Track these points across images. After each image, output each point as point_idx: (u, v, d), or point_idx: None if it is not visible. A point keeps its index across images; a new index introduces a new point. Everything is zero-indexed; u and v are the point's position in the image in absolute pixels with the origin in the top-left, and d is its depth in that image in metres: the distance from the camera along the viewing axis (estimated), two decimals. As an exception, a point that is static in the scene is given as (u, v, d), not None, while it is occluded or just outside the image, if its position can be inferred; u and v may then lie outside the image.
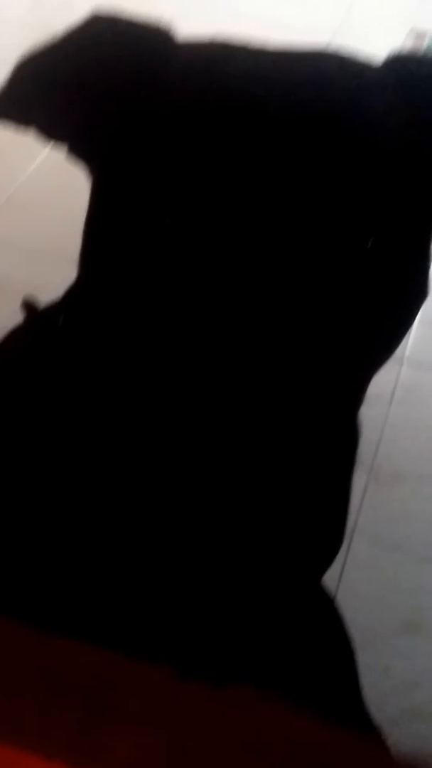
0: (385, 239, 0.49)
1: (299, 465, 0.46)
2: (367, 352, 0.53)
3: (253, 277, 0.46)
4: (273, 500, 0.47)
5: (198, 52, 0.53)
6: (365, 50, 1.67)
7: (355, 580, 1.00)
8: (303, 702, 0.82)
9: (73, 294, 0.64)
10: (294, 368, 0.46)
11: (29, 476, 0.63)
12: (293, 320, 0.46)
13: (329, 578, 0.93)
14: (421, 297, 0.56)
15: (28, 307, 0.67)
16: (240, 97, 0.49)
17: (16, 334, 0.70)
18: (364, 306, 0.50)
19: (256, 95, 0.49)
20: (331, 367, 0.48)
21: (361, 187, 0.48)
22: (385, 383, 1.22)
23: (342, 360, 0.50)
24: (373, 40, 1.92)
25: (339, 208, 0.47)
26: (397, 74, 0.54)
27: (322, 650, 0.85)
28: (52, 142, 0.57)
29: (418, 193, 0.52)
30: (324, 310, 0.48)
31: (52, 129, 0.56)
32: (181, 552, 0.59)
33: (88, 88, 0.53)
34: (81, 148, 0.57)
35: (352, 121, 0.49)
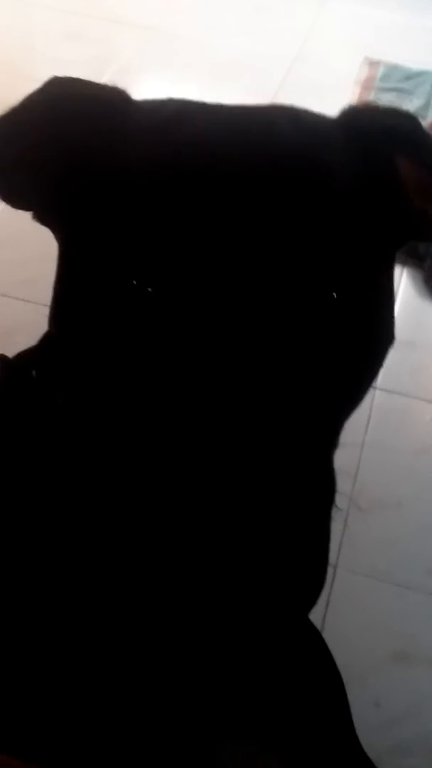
0: (349, 289, 0.50)
1: (276, 507, 0.46)
2: (340, 399, 0.53)
3: (224, 334, 0.46)
4: (252, 541, 0.46)
5: (155, 113, 0.53)
6: (322, 78, 1.70)
7: (341, 613, 1.00)
8: (297, 746, 0.81)
9: (45, 347, 0.64)
10: (270, 418, 0.46)
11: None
12: (267, 373, 0.46)
13: (315, 613, 0.93)
14: (387, 342, 0.57)
15: (1, 361, 0.66)
16: (199, 160, 0.48)
17: None
18: (335, 355, 0.50)
19: (216, 157, 0.48)
20: (305, 416, 0.48)
21: (323, 241, 0.48)
22: (360, 411, 1.23)
23: (316, 408, 0.49)
24: (330, 69, 1.96)
25: (303, 264, 0.48)
26: (349, 126, 0.54)
27: (313, 690, 0.84)
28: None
29: (376, 242, 0.53)
30: (296, 363, 0.48)
31: (13, 199, 0.56)
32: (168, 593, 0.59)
33: (47, 158, 0.53)
34: (44, 217, 0.57)
35: (311, 175, 0.49)
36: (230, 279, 0.46)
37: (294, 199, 0.48)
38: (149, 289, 0.48)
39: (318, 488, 0.49)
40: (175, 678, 0.65)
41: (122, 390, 0.50)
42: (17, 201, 0.57)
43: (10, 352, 0.70)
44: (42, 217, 0.57)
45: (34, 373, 0.63)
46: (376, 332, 0.54)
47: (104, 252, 0.50)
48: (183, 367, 0.46)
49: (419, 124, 0.57)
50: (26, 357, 0.67)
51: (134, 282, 0.48)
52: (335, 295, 0.49)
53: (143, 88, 1.96)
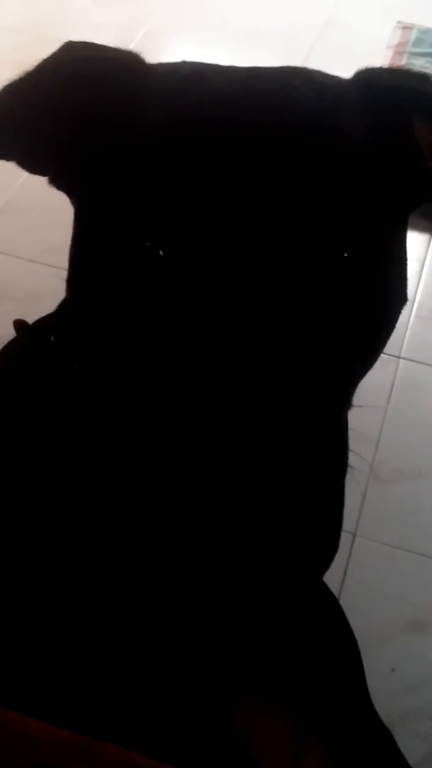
0: (361, 249, 0.50)
1: (289, 469, 0.46)
2: (353, 359, 0.53)
3: (236, 296, 0.46)
4: (265, 502, 0.47)
5: (169, 76, 0.53)
6: (353, 43, 1.67)
7: (359, 581, 1.01)
8: (307, 708, 0.83)
9: (63, 313, 0.64)
10: (283, 379, 0.46)
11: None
12: (280, 334, 0.47)
13: (333, 580, 0.94)
14: (400, 302, 0.57)
15: (20, 327, 0.67)
16: (214, 121, 0.48)
17: (8, 349, 0.70)
18: (347, 315, 0.50)
19: (230, 118, 0.48)
20: (318, 376, 0.49)
21: (337, 201, 0.48)
22: (382, 380, 1.22)
23: (329, 369, 0.50)
24: (361, 33, 1.93)
25: (316, 224, 0.48)
26: (364, 87, 0.54)
27: (328, 654, 0.85)
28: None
29: (389, 203, 0.53)
30: (308, 323, 0.48)
31: (29, 164, 0.56)
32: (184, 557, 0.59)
33: (64, 121, 0.53)
34: (59, 181, 0.57)
35: (325, 137, 0.49)
36: (243, 240, 0.47)
37: (309, 160, 0.48)
38: (161, 252, 0.48)
39: (330, 450, 0.50)
40: (194, 632, 0.66)
41: (135, 355, 0.50)
42: (33, 165, 0.57)
43: (36, 316, 0.71)
44: (58, 182, 0.57)
45: (52, 338, 0.64)
46: (388, 293, 0.54)
47: (118, 214, 0.50)
48: (195, 330, 0.47)
49: None
50: (46, 323, 0.68)
51: (147, 244, 0.48)
52: (346, 255, 0.49)
53: (172, 53, 1.94)
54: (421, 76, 0.56)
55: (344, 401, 0.55)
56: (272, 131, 0.48)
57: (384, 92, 0.54)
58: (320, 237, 0.48)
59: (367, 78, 0.55)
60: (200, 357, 0.46)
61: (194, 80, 0.52)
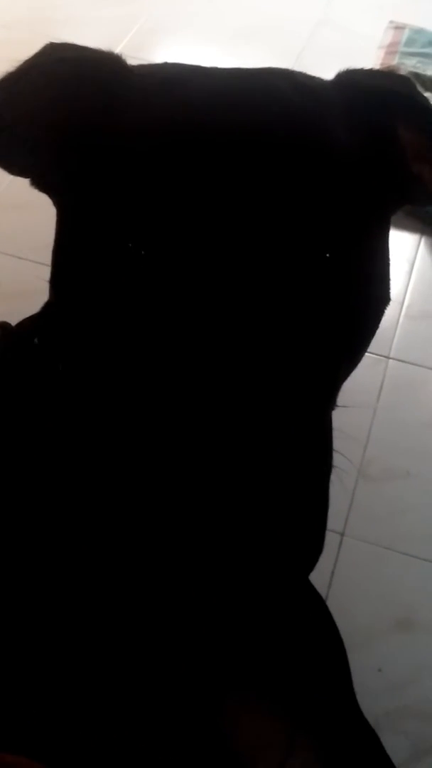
0: (343, 250, 0.50)
1: (273, 469, 0.46)
2: (337, 359, 0.53)
3: (218, 296, 0.46)
4: (249, 502, 0.47)
5: (150, 77, 0.53)
6: (346, 42, 1.67)
7: (347, 580, 1.01)
8: (295, 706, 0.83)
9: (47, 313, 0.64)
10: (266, 379, 0.46)
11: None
12: (263, 334, 0.47)
13: (321, 579, 0.94)
14: (383, 302, 0.57)
15: (1, 329, 0.67)
16: (196, 122, 0.48)
17: None
18: (330, 315, 0.51)
19: (212, 119, 0.48)
20: (302, 376, 0.49)
21: (319, 201, 0.48)
22: (372, 380, 1.23)
23: (313, 369, 0.50)
24: (353, 33, 1.93)
25: (298, 225, 0.48)
26: (346, 89, 0.54)
27: (314, 653, 0.86)
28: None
29: (372, 204, 0.53)
30: (291, 323, 0.48)
31: (10, 164, 0.56)
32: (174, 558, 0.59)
33: (45, 122, 0.53)
34: (42, 181, 0.57)
35: (306, 137, 0.49)
36: (224, 241, 0.47)
37: (291, 161, 0.48)
38: (142, 252, 0.48)
39: (315, 449, 0.50)
40: (182, 634, 0.66)
41: (118, 356, 0.50)
42: (13, 166, 0.56)
43: (26, 314, 0.70)
44: (40, 183, 0.57)
45: (36, 339, 0.63)
46: (370, 292, 0.55)
47: (100, 215, 0.50)
48: (178, 331, 0.47)
49: (414, 87, 0.57)
50: (29, 323, 0.68)
51: (130, 245, 0.48)
52: (328, 255, 0.49)
53: (165, 50, 1.94)
54: (402, 79, 0.57)
55: (328, 401, 0.55)
56: (253, 132, 0.48)
57: (366, 95, 0.54)
58: (302, 237, 0.48)
59: (349, 80, 0.56)
60: (183, 357, 0.46)
61: (175, 81, 0.52)
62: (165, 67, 0.54)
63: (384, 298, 0.57)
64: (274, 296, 0.47)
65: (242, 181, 0.47)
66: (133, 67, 0.55)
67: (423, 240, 1.46)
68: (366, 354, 0.58)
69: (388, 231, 0.57)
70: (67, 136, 0.53)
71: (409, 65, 1.80)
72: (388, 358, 1.25)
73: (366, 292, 0.54)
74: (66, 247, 0.54)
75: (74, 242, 0.53)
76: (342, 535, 1.05)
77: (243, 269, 0.47)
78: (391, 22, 1.95)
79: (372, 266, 0.54)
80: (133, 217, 0.48)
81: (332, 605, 0.89)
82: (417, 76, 1.74)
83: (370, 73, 0.57)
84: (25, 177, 0.57)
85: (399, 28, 1.94)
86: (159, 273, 0.48)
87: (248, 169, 0.47)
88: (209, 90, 0.51)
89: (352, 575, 1.02)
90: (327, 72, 0.58)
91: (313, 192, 0.48)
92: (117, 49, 0.56)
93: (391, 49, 1.88)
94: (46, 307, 0.65)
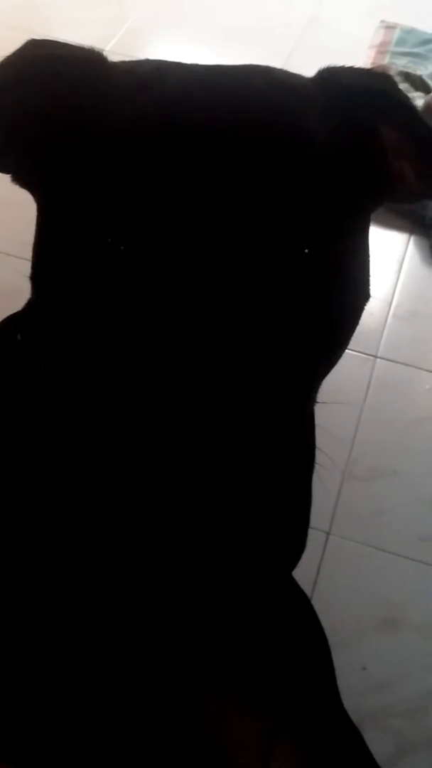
0: (322, 247, 0.50)
1: (255, 468, 0.46)
2: (314, 354, 0.53)
3: (196, 293, 0.46)
4: (231, 501, 0.47)
5: (131, 74, 0.53)
6: (336, 42, 1.67)
7: (332, 579, 1.01)
8: (278, 705, 0.83)
9: (29, 312, 0.64)
10: (245, 377, 0.46)
11: None
12: (241, 332, 0.47)
13: (306, 577, 0.94)
14: (363, 299, 0.57)
15: None
16: (175, 119, 0.48)
17: None
18: (309, 312, 0.51)
19: (192, 116, 0.48)
20: (281, 374, 0.49)
21: (297, 197, 0.49)
22: (359, 379, 1.23)
23: (292, 367, 0.50)
24: (344, 32, 1.93)
25: (276, 222, 0.48)
26: (325, 87, 0.54)
27: (298, 651, 0.86)
28: None
29: (351, 201, 0.53)
30: (270, 320, 0.48)
31: None
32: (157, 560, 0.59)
33: (25, 118, 0.53)
34: (22, 177, 0.57)
35: (285, 134, 0.49)
36: (202, 237, 0.47)
37: (270, 158, 0.48)
38: (122, 248, 0.48)
39: (296, 447, 0.50)
40: (164, 634, 0.66)
41: (99, 352, 0.50)
42: None
43: (14, 309, 0.70)
44: (20, 179, 0.57)
45: (18, 336, 0.63)
46: (349, 289, 0.55)
47: (80, 211, 0.50)
48: (157, 327, 0.47)
49: (395, 84, 0.58)
50: (13, 320, 0.68)
51: (109, 240, 0.48)
52: (306, 251, 0.49)
53: (154, 49, 1.94)
54: (383, 76, 0.57)
55: (308, 397, 0.55)
56: (231, 128, 0.48)
57: (347, 92, 0.54)
58: (279, 233, 0.48)
59: (330, 77, 0.56)
60: (162, 353, 0.46)
61: (154, 77, 0.52)
62: (145, 63, 0.54)
63: (363, 295, 0.57)
64: (251, 291, 0.47)
65: (219, 177, 0.47)
66: (114, 63, 0.55)
67: (412, 239, 1.46)
68: (353, 353, 0.58)
69: (367, 228, 0.57)
70: (46, 131, 0.53)
71: (399, 65, 1.81)
72: (375, 357, 1.25)
73: (345, 288, 0.54)
74: (46, 244, 0.54)
75: (54, 238, 0.53)
76: (328, 533, 1.05)
77: (221, 264, 0.47)
78: (381, 21, 1.95)
79: (351, 262, 0.54)
80: (112, 213, 0.48)
81: (318, 604, 0.89)
82: (407, 75, 1.75)
83: (351, 70, 0.57)
84: (5, 173, 0.57)
85: (390, 27, 1.94)
86: (138, 269, 0.48)
87: (225, 165, 0.47)
88: (187, 86, 0.51)
89: (337, 574, 1.02)
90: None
91: (288, 187, 0.48)
92: (107, 48, 0.56)
93: (381, 49, 1.88)
94: (29, 304, 0.65)
